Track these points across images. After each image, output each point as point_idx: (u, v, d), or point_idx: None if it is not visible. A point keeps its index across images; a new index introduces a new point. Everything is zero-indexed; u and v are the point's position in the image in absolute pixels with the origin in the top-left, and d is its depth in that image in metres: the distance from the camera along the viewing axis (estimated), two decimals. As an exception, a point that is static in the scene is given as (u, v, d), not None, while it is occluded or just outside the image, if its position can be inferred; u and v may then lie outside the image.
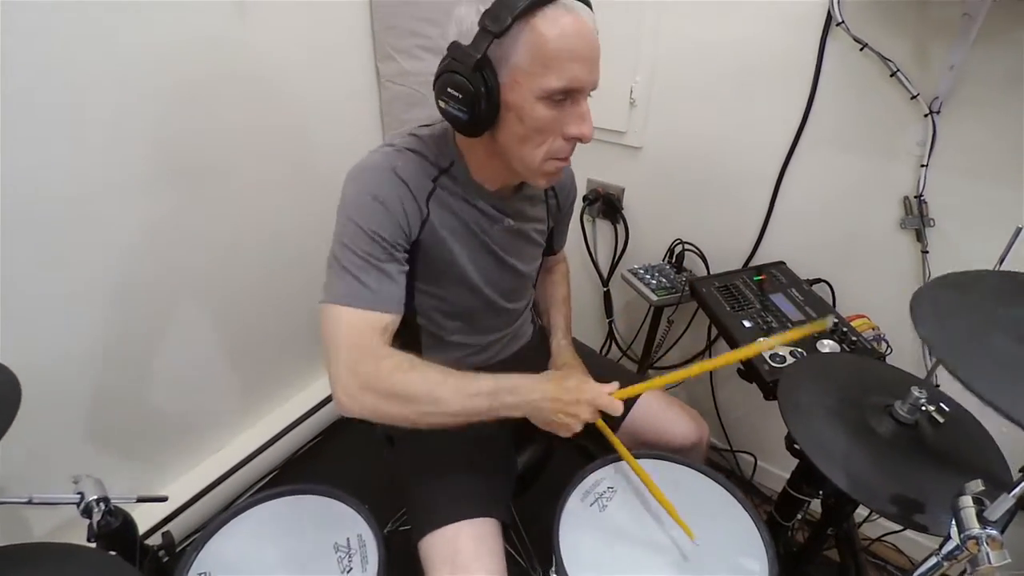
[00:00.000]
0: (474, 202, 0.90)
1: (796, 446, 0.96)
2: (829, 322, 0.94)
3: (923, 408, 0.83)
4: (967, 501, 0.69)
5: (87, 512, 0.83)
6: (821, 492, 1.04)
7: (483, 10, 0.72)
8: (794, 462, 1.07)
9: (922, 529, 0.75)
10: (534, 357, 1.15)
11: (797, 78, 1.19)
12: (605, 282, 1.67)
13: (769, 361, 1.09)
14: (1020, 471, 0.69)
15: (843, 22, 1.10)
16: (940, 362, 0.59)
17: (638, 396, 1.08)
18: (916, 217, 1.17)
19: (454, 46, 0.74)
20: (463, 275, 0.93)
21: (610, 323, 1.70)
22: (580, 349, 1.18)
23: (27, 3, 0.92)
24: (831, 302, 1.32)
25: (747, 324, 1.18)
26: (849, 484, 0.79)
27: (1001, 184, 1.07)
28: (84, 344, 1.15)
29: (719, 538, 0.91)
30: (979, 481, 0.70)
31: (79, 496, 0.83)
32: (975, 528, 0.66)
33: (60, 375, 1.11)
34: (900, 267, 1.23)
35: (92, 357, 1.17)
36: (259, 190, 1.37)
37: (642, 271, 1.45)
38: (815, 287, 1.30)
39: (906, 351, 1.24)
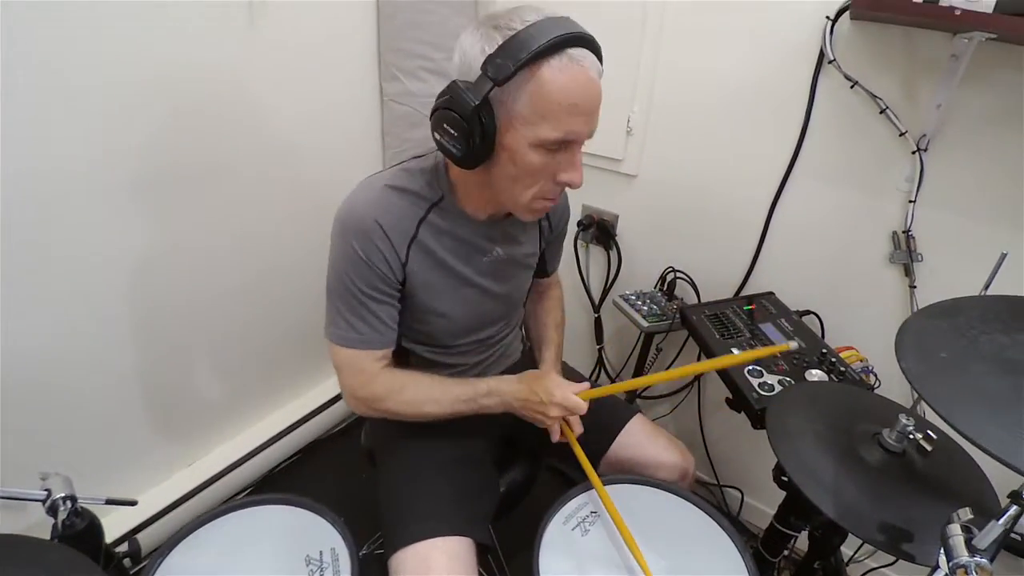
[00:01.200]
0: (462, 235, 0.91)
1: (784, 477, 0.95)
2: (793, 344, 0.96)
3: (911, 436, 0.82)
4: (955, 529, 0.67)
5: (52, 510, 0.80)
6: (808, 525, 1.02)
7: (487, 48, 0.71)
8: (781, 497, 1.06)
9: (910, 559, 0.73)
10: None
11: (790, 113, 1.23)
12: (596, 308, 1.67)
13: (758, 389, 1.09)
14: (1008, 497, 0.67)
15: (834, 60, 1.14)
16: (920, 396, 0.59)
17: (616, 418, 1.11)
18: (904, 252, 1.19)
19: (454, 85, 0.74)
20: (444, 313, 0.94)
21: (600, 349, 1.69)
22: (569, 375, 1.17)
23: (39, 6, 0.94)
24: (820, 333, 1.32)
25: (736, 351, 1.18)
26: (837, 512, 0.77)
27: (987, 220, 1.09)
28: (68, 343, 1.13)
29: (700, 567, 0.89)
30: (968, 509, 0.68)
31: (46, 493, 0.80)
32: (963, 556, 0.64)
33: (43, 372, 1.09)
34: (888, 301, 1.24)
35: (75, 357, 1.15)
36: (259, 198, 1.37)
37: (633, 297, 1.45)
38: (804, 318, 1.30)
39: (895, 383, 1.23)
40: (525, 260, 1.03)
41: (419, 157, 0.92)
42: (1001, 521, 0.64)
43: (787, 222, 1.32)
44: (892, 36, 1.08)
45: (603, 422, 1.11)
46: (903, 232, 1.18)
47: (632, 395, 1.58)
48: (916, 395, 1.23)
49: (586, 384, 0.95)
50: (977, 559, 0.64)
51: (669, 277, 1.48)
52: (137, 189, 1.16)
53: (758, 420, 1.05)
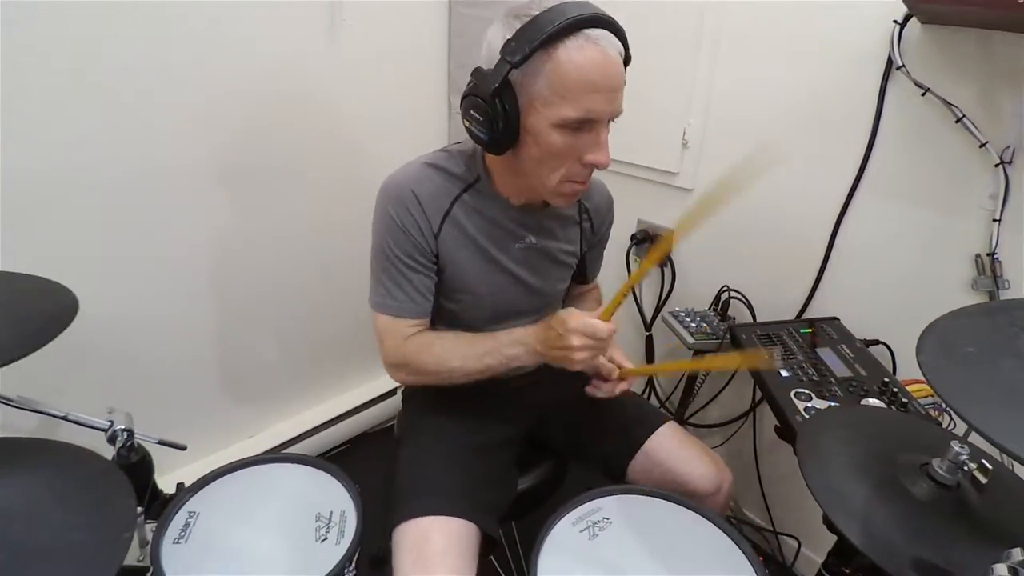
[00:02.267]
0: (496, 218, 0.94)
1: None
2: (775, 361, 0.89)
3: (965, 467, 0.72)
4: (1001, 570, 0.58)
5: (111, 439, 0.90)
6: (849, 568, 0.90)
7: (507, 34, 0.75)
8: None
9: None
10: (556, 378, 1.12)
11: (855, 124, 1.15)
12: (648, 326, 1.62)
13: (803, 413, 1.00)
14: None
15: (903, 66, 1.06)
16: (930, 385, 0.52)
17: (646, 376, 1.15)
18: (988, 278, 1.06)
19: (477, 71, 0.80)
20: (473, 292, 0.97)
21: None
22: None
23: (135, 9, 1.12)
24: (891, 367, 1.20)
25: (784, 373, 1.10)
26: (864, 540, 0.68)
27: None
28: (154, 310, 1.30)
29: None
30: (1020, 549, 0.59)
31: (109, 423, 0.91)
32: None
33: (128, 332, 1.26)
34: (972, 334, 1.10)
35: (158, 323, 1.31)
36: (328, 196, 1.50)
37: (683, 314, 1.40)
38: (872, 348, 1.19)
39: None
40: (561, 256, 1.04)
41: (461, 143, 0.97)
42: None
43: (854, 242, 1.23)
44: (967, 40, 1.00)
45: (631, 426, 1.08)
46: (987, 255, 1.05)
47: (681, 420, 1.51)
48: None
49: (598, 311, 0.89)
50: None
51: (724, 297, 1.42)
52: (223, 181, 1.32)
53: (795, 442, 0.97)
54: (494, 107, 0.77)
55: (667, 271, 1.55)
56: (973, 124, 1.02)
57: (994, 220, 1.03)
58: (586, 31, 0.74)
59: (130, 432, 0.93)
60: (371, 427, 1.80)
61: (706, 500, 1.01)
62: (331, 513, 0.90)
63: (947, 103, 1.04)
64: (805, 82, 1.21)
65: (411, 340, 0.94)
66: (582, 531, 0.91)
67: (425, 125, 1.63)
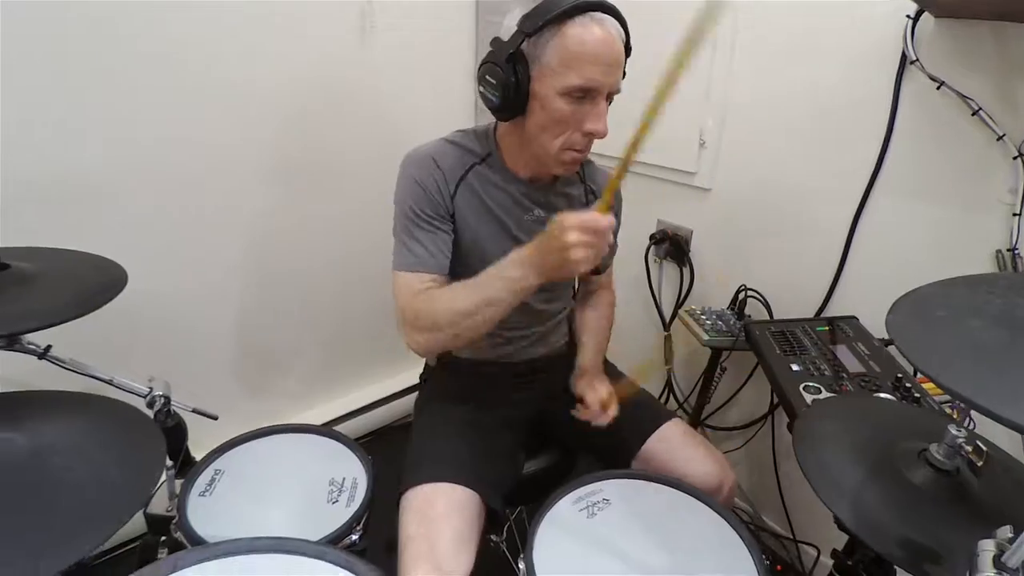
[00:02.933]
0: (506, 188, 0.99)
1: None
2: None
3: (963, 452, 0.71)
4: (988, 545, 0.58)
5: (150, 404, 0.99)
6: (852, 559, 0.88)
7: (524, 11, 0.84)
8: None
9: (928, 577, 0.62)
10: (560, 367, 1.15)
11: (871, 120, 1.15)
12: (667, 326, 1.63)
13: (809, 405, 1.00)
14: None
15: (917, 60, 1.06)
16: (895, 343, 0.53)
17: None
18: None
19: (495, 40, 0.88)
20: (483, 255, 0.99)
21: (669, 371, 1.63)
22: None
23: (194, 28, 1.25)
24: (911, 366, 1.16)
25: (795, 367, 1.09)
26: (853, 519, 0.69)
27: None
28: (197, 289, 1.41)
29: (711, 567, 0.82)
30: (1009, 527, 0.58)
31: (149, 389, 1.00)
32: (988, 572, 0.55)
33: (173, 306, 1.37)
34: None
35: (199, 301, 1.42)
36: (362, 190, 1.58)
37: (699, 312, 1.40)
38: (892, 347, 1.16)
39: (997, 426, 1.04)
40: None
41: (475, 126, 1.04)
42: None
43: (872, 240, 1.21)
44: (981, 32, 0.99)
45: (637, 421, 1.09)
46: (1008, 251, 1.02)
47: (697, 421, 1.50)
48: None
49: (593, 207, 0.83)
50: None
51: (741, 296, 1.41)
52: (263, 176, 1.43)
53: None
54: (508, 72, 0.85)
55: (685, 271, 1.56)
56: (990, 117, 1.00)
57: (1014, 215, 1.01)
58: (591, 13, 0.83)
59: (167, 399, 1.02)
60: (395, 420, 1.86)
61: (716, 497, 1.02)
62: (344, 479, 0.97)
63: (962, 96, 1.03)
64: (820, 80, 1.21)
65: (422, 294, 0.92)
66: (581, 510, 0.93)
67: (453, 125, 1.70)
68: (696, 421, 1.49)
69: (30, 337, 0.92)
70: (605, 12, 0.84)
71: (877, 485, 0.72)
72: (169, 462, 0.91)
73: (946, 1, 0.98)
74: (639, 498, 0.96)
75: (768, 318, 1.37)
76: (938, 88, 1.05)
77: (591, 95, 0.85)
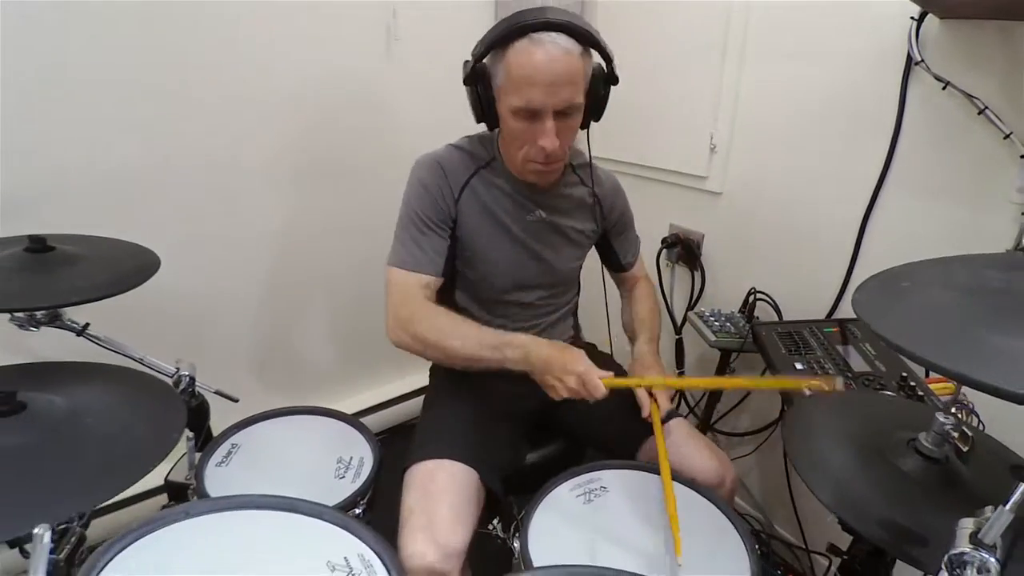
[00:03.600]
0: (508, 190, 1.04)
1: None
2: (838, 383, 0.88)
3: (950, 438, 0.70)
4: (967, 524, 0.59)
5: (176, 383, 1.06)
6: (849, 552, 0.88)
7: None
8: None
9: (913, 562, 0.62)
10: None
11: (879, 122, 1.16)
12: (678, 329, 1.63)
13: (811, 401, 1.00)
14: (1011, 473, 0.56)
15: (922, 60, 1.07)
16: (855, 311, 0.54)
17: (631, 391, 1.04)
18: (1025, 274, 1.01)
19: (466, 61, 0.95)
20: (486, 256, 1.05)
21: (680, 374, 1.64)
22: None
23: (234, 38, 1.34)
24: (922, 369, 1.15)
25: (799, 366, 1.10)
26: (836, 501, 0.69)
27: None
28: (221, 284, 1.49)
29: (703, 553, 0.83)
30: (990, 508, 0.59)
31: (175, 369, 1.07)
32: (964, 548, 0.56)
33: (203, 290, 1.45)
34: None
35: (223, 296, 1.50)
36: (379, 196, 1.65)
37: (708, 315, 1.41)
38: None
39: (1003, 425, 1.02)
40: (572, 234, 1.12)
41: (483, 132, 1.09)
42: (1008, 506, 0.55)
43: (881, 242, 1.21)
44: (986, 32, 1.00)
45: (641, 417, 1.11)
46: (1017, 250, 1.01)
47: (706, 426, 1.49)
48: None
49: (610, 373, 0.93)
50: (982, 553, 0.55)
51: (751, 299, 1.42)
52: (289, 177, 1.52)
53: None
54: (472, 91, 0.94)
55: (697, 274, 1.57)
56: (996, 115, 1.00)
57: (1023, 214, 1.00)
58: (531, 34, 0.86)
59: (192, 379, 1.09)
60: (411, 418, 1.90)
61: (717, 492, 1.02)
62: (351, 458, 1.01)
63: (968, 95, 1.03)
64: (827, 82, 1.23)
65: (422, 303, 0.99)
66: (578, 496, 0.96)
67: (471, 131, 1.78)
68: (706, 425, 1.49)
69: (70, 315, 1.01)
70: (551, 30, 0.86)
71: (865, 472, 0.72)
72: (190, 433, 0.97)
73: (949, 2, 0.99)
74: (636, 487, 0.97)
75: (777, 320, 1.37)
76: (944, 88, 1.06)
77: (538, 114, 0.90)
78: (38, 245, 0.94)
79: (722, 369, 1.42)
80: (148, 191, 1.32)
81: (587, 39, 0.89)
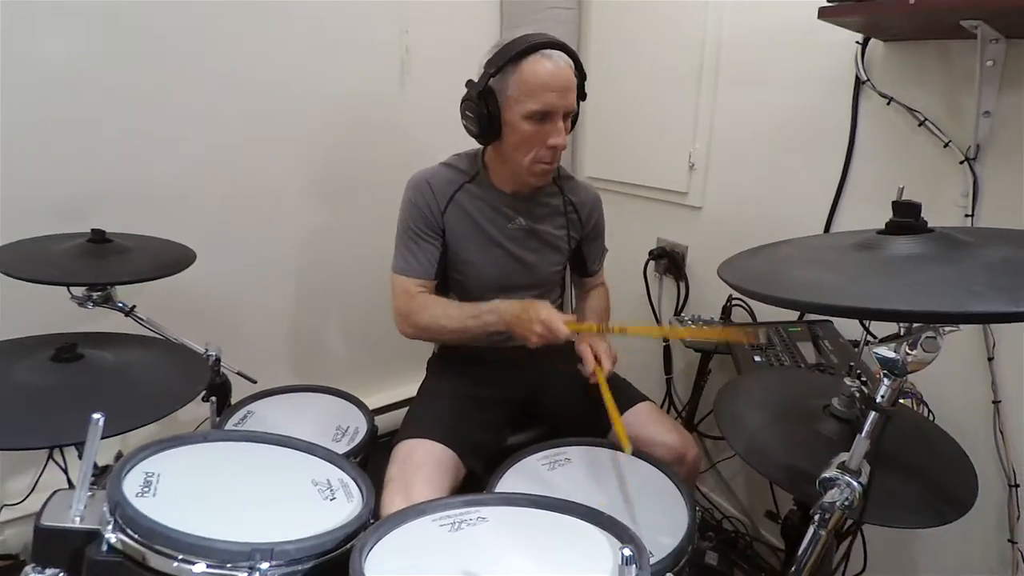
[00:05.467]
0: (491, 202, 1.19)
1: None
2: (754, 335, 0.98)
3: (858, 401, 0.79)
4: (842, 456, 0.68)
5: (205, 362, 1.22)
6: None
7: (490, 56, 1.08)
8: None
9: (805, 496, 0.70)
10: (549, 355, 1.29)
11: (835, 137, 1.26)
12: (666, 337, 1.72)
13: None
14: (865, 404, 0.65)
15: (868, 80, 1.18)
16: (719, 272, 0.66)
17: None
18: (969, 272, 1.08)
19: (469, 82, 1.10)
20: (472, 261, 1.20)
21: (668, 380, 1.71)
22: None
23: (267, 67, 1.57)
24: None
25: (757, 359, 1.19)
26: (745, 448, 0.79)
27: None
28: (252, 274, 1.67)
29: (646, 512, 0.92)
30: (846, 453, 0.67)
31: (204, 348, 1.23)
32: (833, 472, 0.65)
33: (232, 285, 1.63)
34: (960, 331, 1.11)
35: (253, 292, 1.68)
36: (393, 209, 1.84)
37: (688, 320, 1.50)
38: (856, 346, 1.22)
39: (952, 413, 1.08)
40: (551, 239, 1.24)
41: (471, 149, 1.24)
42: (863, 434, 0.64)
43: (845, 247, 1.29)
44: (923, 52, 1.10)
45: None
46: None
47: (690, 428, 1.56)
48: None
49: (572, 316, 1.08)
50: (847, 477, 0.64)
51: (729, 305, 1.50)
52: (312, 191, 1.72)
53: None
54: (480, 105, 1.07)
55: (682, 284, 1.66)
56: (936, 126, 1.10)
57: (966, 216, 1.08)
58: (542, 51, 1.03)
59: (218, 359, 1.25)
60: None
61: (673, 468, 1.10)
62: (348, 427, 1.15)
63: (910, 109, 1.13)
64: (790, 103, 1.34)
65: (416, 298, 1.17)
66: (543, 464, 1.06)
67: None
68: (690, 427, 1.56)
69: (121, 296, 1.20)
70: (554, 48, 1.04)
71: (780, 430, 0.81)
72: (213, 399, 1.13)
73: (886, 26, 1.10)
74: (597, 460, 1.07)
75: (751, 322, 1.45)
76: (888, 104, 1.16)
77: (550, 116, 1.05)
78: (98, 237, 1.14)
79: (702, 369, 1.50)
80: (188, 199, 1.53)
81: (576, 59, 1.08)
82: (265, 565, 0.58)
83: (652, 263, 1.72)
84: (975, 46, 1.01)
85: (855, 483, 0.62)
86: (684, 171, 1.58)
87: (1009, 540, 1.11)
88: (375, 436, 1.15)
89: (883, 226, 0.66)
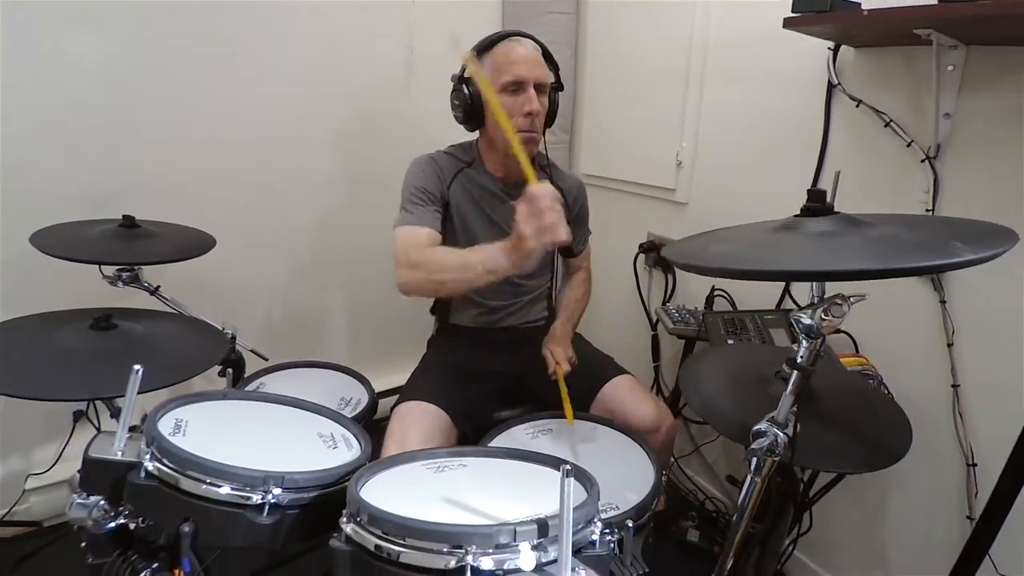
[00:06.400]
0: (486, 185, 1.29)
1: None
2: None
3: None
4: (774, 412, 0.76)
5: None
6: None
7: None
8: None
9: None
10: (540, 337, 1.38)
11: (810, 137, 1.34)
12: (653, 326, 1.81)
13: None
14: (785, 366, 0.74)
15: (839, 83, 1.26)
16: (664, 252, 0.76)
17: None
18: (929, 264, 1.16)
19: (452, 75, 1.23)
20: (473, 235, 1.28)
21: (656, 367, 1.80)
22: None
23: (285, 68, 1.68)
24: (854, 350, 1.29)
25: (730, 342, 1.27)
26: (702, 407, 0.87)
27: (1010, 224, 1.04)
28: (267, 259, 1.80)
29: (617, 474, 1.01)
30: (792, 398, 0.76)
31: (222, 326, 1.34)
32: (762, 425, 0.74)
33: (249, 270, 1.75)
34: (921, 318, 1.19)
35: (268, 269, 1.81)
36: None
37: (672, 309, 1.58)
38: (834, 336, 1.30)
39: (910, 391, 1.17)
40: None
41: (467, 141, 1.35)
42: (788, 391, 0.73)
43: (819, 240, 1.37)
44: (889, 57, 1.18)
45: (592, 376, 1.31)
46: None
47: (676, 411, 1.64)
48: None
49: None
50: (774, 429, 0.73)
51: (712, 296, 1.59)
52: (324, 183, 1.84)
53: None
54: (463, 91, 1.20)
55: (670, 277, 1.75)
56: (900, 127, 1.18)
57: (927, 210, 1.16)
58: (511, 38, 1.18)
59: (234, 337, 1.36)
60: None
61: (649, 436, 1.19)
62: (352, 398, 1.27)
63: (876, 111, 1.21)
64: (769, 105, 1.43)
65: (420, 246, 1.16)
66: (527, 432, 1.16)
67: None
68: (674, 411, 1.64)
69: (147, 277, 1.31)
70: (522, 36, 1.20)
71: (735, 394, 0.90)
72: (229, 371, 1.24)
73: (853, 34, 1.19)
74: (576, 430, 1.17)
75: (731, 310, 1.54)
76: (857, 106, 1.24)
77: (522, 86, 1.17)
78: (129, 222, 1.26)
79: (686, 356, 1.59)
80: (208, 190, 1.65)
81: (545, 49, 1.21)
82: (278, 491, 0.69)
83: (642, 256, 1.81)
84: (933, 51, 1.10)
85: (781, 434, 0.71)
86: (672, 169, 1.67)
87: (968, 516, 1.18)
88: (376, 406, 1.26)
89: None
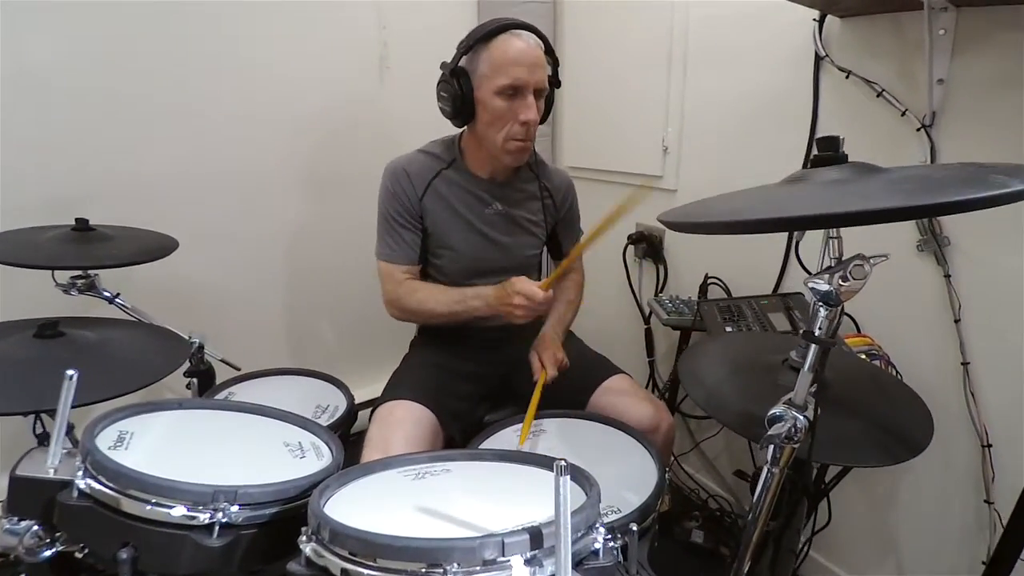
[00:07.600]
0: (469, 187, 1.21)
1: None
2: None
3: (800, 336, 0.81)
4: (789, 395, 0.69)
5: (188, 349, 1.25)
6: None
7: (463, 39, 1.11)
8: None
9: (754, 438, 0.72)
10: (526, 338, 1.31)
11: (799, 112, 1.29)
12: (646, 319, 1.74)
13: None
14: (803, 337, 0.67)
15: (827, 55, 1.21)
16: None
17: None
18: (930, 238, 1.11)
19: (443, 64, 1.13)
20: (451, 246, 1.22)
21: (651, 362, 1.73)
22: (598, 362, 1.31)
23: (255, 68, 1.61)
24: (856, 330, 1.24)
25: (728, 329, 1.21)
26: (705, 399, 0.80)
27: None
28: (244, 274, 1.72)
29: (616, 474, 0.93)
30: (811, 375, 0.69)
31: (188, 335, 1.25)
32: (779, 409, 0.67)
33: (217, 274, 1.67)
34: (924, 294, 1.14)
35: (239, 275, 1.72)
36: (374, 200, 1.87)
37: (666, 300, 1.52)
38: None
39: (919, 371, 1.11)
40: (526, 223, 1.27)
41: (448, 136, 1.27)
42: (806, 367, 0.66)
43: (814, 220, 1.32)
44: (878, 25, 1.14)
45: (588, 375, 1.23)
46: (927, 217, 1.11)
47: (673, 406, 1.58)
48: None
49: (544, 282, 1.08)
50: (793, 412, 0.66)
51: (706, 284, 1.53)
52: (297, 183, 1.76)
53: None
54: (453, 84, 1.09)
55: (660, 267, 1.69)
56: (892, 96, 1.13)
57: (925, 181, 1.10)
58: (511, 30, 1.07)
59: (202, 346, 1.28)
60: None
61: (647, 436, 1.12)
62: (328, 405, 1.18)
63: (867, 81, 1.16)
64: (755, 82, 1.38)
65: (403, 284, 1.20)
66: (519, 434, 1.08)
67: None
68: (672, 407, 1.58)
69: (107, 284, 1.22)
70: (525, 29, 1.08)
71: (737, 383, 0.83)
72: (195, 380, 1.15)
73: (839, 2, 1.14)
74: (571, 431, 1.09)
75: (726, 297, 1.48)
76: (847, 77, 1.19)
77: (520, 91, 1.07)
78: (82, 226, 1.18)
79: (682, 349, 1.52)
80: (173, 193, 1.56)
81: (547, 41, 1.11)
82: (234, 509, 0.60)
83: (631, 247, 1.75)
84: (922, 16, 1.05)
85: (801, 416, 0.64)
86: (658, 155, 1.61)
87: (986, 501, 1.12)
88: (355, 412, 1.17)
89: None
